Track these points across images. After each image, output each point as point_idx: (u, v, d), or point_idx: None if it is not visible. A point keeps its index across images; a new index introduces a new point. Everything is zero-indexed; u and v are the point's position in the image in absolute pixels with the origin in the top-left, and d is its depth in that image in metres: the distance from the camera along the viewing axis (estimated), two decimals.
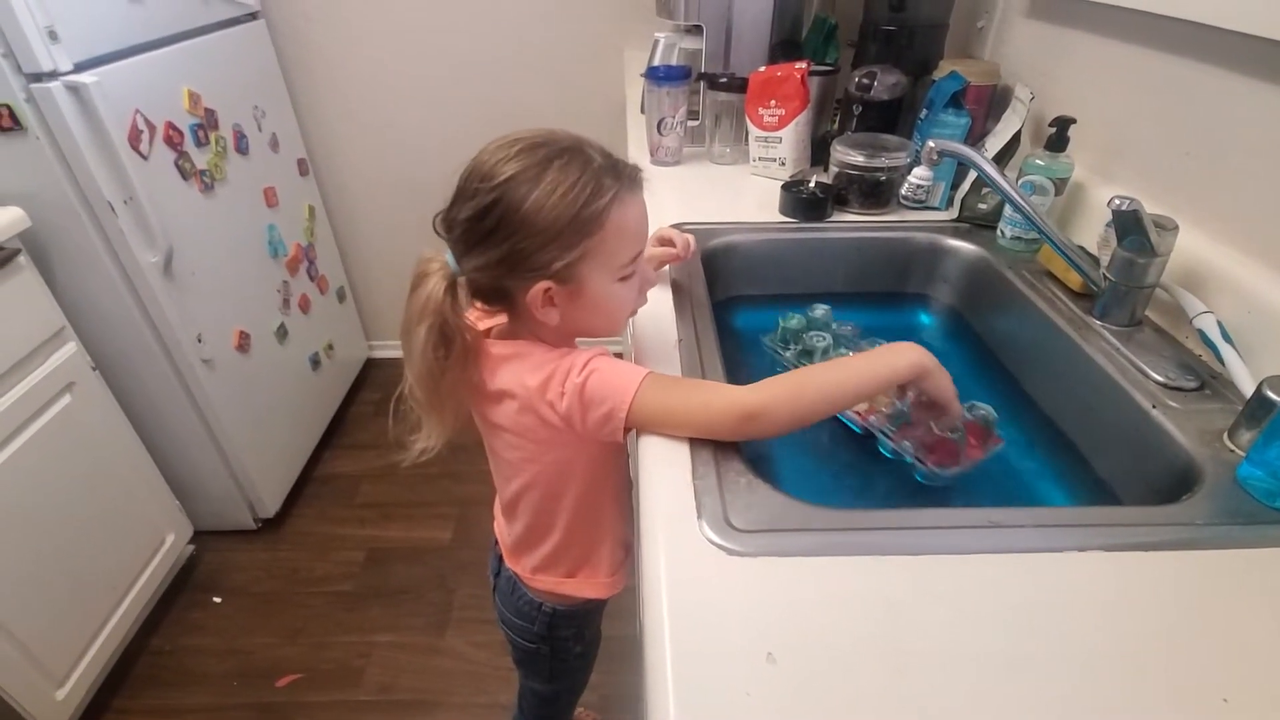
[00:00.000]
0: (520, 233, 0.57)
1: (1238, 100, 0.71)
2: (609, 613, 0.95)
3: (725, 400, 0.58)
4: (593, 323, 0.65)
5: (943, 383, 0.62)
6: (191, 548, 1.65)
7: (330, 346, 2.00)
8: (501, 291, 0.63)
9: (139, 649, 1.47)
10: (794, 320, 0.88)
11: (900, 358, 0.60)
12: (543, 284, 0.59)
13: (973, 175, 0.99)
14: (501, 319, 0.68)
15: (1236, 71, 0.71)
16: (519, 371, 0.63)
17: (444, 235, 0.62)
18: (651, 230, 0.84)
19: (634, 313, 0.70)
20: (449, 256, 0.61)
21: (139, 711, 1.37)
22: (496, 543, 0.88)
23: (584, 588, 0.82)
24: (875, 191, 1.02)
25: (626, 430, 0.60)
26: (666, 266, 0.87)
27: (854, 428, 0.76)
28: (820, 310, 0.89)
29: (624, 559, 0.84)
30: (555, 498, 0.74)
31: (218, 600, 1.59)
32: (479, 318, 0.70)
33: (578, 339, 0.69)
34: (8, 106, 1.10)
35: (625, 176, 0.60)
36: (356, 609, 1.57)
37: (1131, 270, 0.72)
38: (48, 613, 1.21)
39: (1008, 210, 0.93)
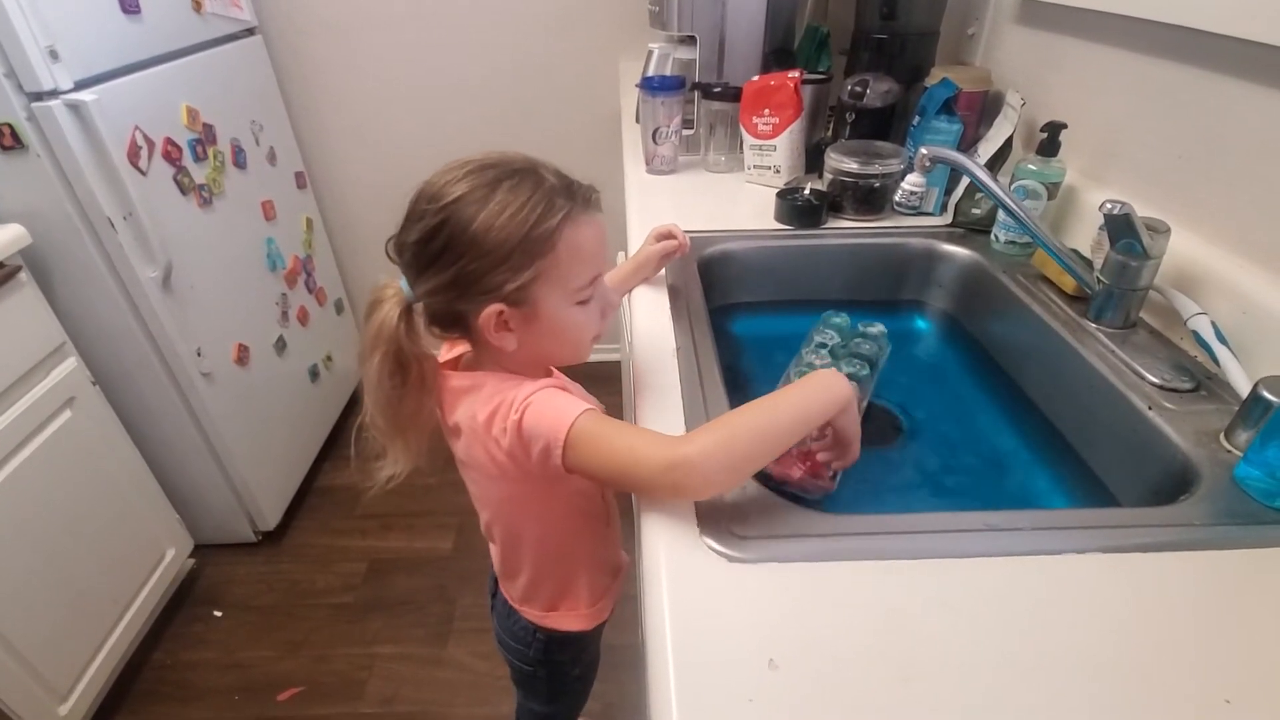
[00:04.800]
0: (469, 253, 0.55)
1: (1229, 103, 0.72)
2: (612, 622, 0.95)
3: (653, 446, 0.52)
4: (553, 349, 0.63)
5: (855, 418, 0.58)
6: (192, 561, 1.65)
7: (329, 358, 2.01)
8: (455, 316, 0.61)
9: (140, 663, 1.47)
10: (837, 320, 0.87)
11: (833, 394, 0.56)
12: (494, 307, 0.57)
13: (966, 181, 1.00)
14: (466, 348, 0.67)
15: (1227, 74, 0.72)
16: (471, 405, 0.62)
17: (396, 260, 0.61)
18: (649, 230, 0.85)
19: (598, 338, 0.65)
20: (403, 283, 0.60)
21: None
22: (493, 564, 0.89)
23: (566, 620, 0.81)
24: (870, 198, 1.03)
25: (568, 469, 0.56)
26: (663, 270, 0.88)
27: None
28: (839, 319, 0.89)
29: (610, 585, 0.84)
30: (516, 535, 0.74)
31: (218, 614, 1.58)
32: (447, 348, 0.70)
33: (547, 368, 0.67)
34: (9, 125, 1.11)
35: (579, 196, 0.59)
36: (358, 621, 1.56)
37: (1125, 273, 0.72)
38: (50, 628, 1.20)
39: (1001, 215, 0.93)
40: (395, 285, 0.60)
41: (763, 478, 0.59)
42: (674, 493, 0.52)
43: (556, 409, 0.56)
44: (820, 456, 0.63)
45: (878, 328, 0.87)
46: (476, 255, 0.55)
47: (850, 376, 0.75)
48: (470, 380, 0.63)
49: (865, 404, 0.77)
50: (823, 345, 0.83)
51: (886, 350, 0.85)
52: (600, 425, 0.55)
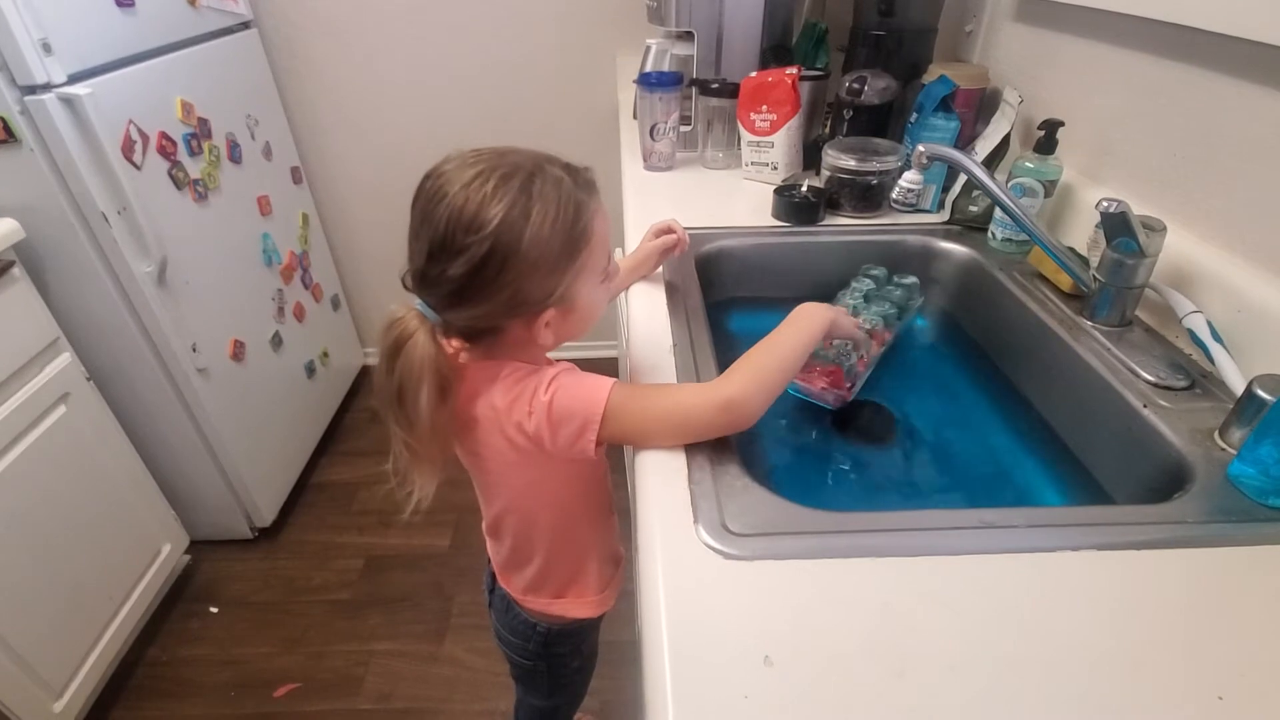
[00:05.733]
0: (523, 272, 0.56)
1: (1225, 101, 0.72)
2: (608, 619, 0.95)
3: (699, 395, 0.59)
4: (577, 330, 0.65)
5: (846, 323, 0.71)
6: (188, 557, 1.65)
7: (325, 354, 2.00)
8: (492, 329, 0.61)
9: (136, 660, 1.47)
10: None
11: (815, 321, 0.66)
12: (549, 313, 0.59)
13: (963, 178, 1.00)
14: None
15: (1223, 73, 0.72)
16: (489, 394, 0.62)
17: (425, 292, 0.59)
18: (646, 227, 0.86)
19: None
20: (420, 305, 0.58)
21: None
22: (490, 560, 0.88)
23: (573, 607, 0.81)
24: (867, 195, 1.03)
25: (599, 444, 0.59)
26: (660, 267, 0.88)
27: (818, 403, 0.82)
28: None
29: (614, 574, 0.84)
30: (531, 522, 0.74)
31: (214, 610, 1.58)
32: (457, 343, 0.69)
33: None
34: (2, 119, 1.10)
35: (586, 184, 0.60)
36: (355, 617, 1.56)
37: (1120, 271, 0.72)
38: (44, 624, 1.20)
39: (998, 212, 0.94)
40: (414, 311, 0.58)
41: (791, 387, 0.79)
42: (727, 430, 0.59)
43: (586, 388, 0.59)
44: (836, 342, 0.79)
45: (910, 279, 0.95)
46: (529, 272, 0.56)
47: (879, 314, 0.86)
48: (486, 371, 0.64)
49: (893, 339, 0.89)
50: (858, 290, 0.92)
51: (918, 299, 0.94)
52: (633, 392, 0.60)
